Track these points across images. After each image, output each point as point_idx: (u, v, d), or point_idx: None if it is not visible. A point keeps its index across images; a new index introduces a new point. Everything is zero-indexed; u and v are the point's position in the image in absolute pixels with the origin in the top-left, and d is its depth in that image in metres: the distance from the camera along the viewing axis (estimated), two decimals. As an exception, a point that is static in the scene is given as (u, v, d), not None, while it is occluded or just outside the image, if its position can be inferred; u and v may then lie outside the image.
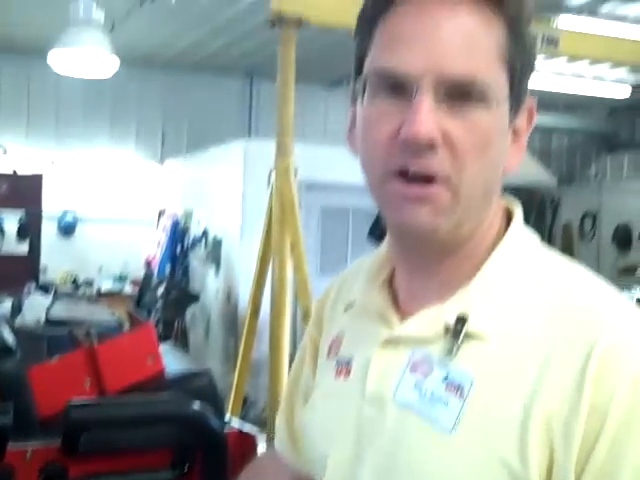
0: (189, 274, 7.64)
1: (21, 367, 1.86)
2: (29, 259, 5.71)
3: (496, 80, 0.81)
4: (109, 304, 5.02)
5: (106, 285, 8.23)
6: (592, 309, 0.81)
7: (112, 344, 2.07)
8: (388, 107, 0.81)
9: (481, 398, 0.80)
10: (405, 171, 0.81)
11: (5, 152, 6.92)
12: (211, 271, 7.26)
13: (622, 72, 7.96)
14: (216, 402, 2.05)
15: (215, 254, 7.08)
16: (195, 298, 7.22)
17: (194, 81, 8.65)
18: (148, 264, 7.75)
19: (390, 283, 0.95)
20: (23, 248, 6.09)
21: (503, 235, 0.89)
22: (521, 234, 0.90)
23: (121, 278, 8.39)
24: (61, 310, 3.62)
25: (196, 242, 7.44)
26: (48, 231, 8.02)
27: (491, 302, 0.84)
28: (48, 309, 3.55)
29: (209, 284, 7.33)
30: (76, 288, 8.03)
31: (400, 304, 0.92)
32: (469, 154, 0.80)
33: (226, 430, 1.95)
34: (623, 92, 8.72)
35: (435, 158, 0.80)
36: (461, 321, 0.83)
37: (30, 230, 6.35)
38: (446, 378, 0.83)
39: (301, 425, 1.04)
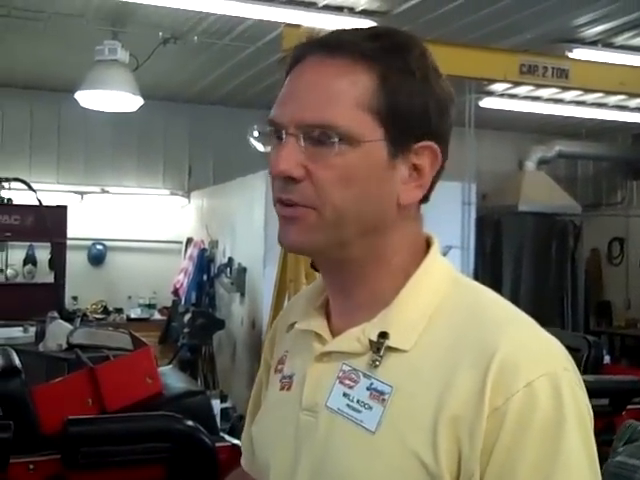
0: (215, 301, 7.83)
1: (24, 387, 2.02)
2: (54, 288, 5.93)
3: (353, 124, 0.94)
4: (138, 331, 5.19)
5: (135, 313, 8.46)
6: (493, 325, 0.94)
7: (112, 366, 2.23)
8: (272, 149, 1.00)
9: (400, 404, 0.93)
10: (281, 200, 0.99)
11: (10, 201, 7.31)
12: (236, 298, 7.42)
13: (644, 99, 7.99)
14: (209, 418, 2.19)
15: (240, 282, 7.24)
16: (221, 324, 7.38)
17: (219, 115, 8.84)
18: (175, 292, 7.95)
19: (326, 306, 1.09)
20: (51, 278, 6.34)
21: (420, 262, 1.03)
22: (437, 263, 1.04)
23: (150, 306, 8.60)
24: (81, 336, 3.78)
25: (221, 270, 7.62)
26: (78, 261, 8.28)
27: (409, 321, 0.98)
28: (69, 335, 3.72)
29: (234, 311, 7.49)
30: (106, 316, 8.27)
31: (332, 322, 1.06)
32: (328, 186, 0.95)
33: (218, 444, 2.08)
34: (646, 118, 8.73)
35: (297, 190, 0.96)
36: (383, 337, 0.97)
37: (55, 260, 6.59)
38: (370, 387, 0.96)
39: (253, 438, 1.16)
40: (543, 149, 9.23)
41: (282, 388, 1.08)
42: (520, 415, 0.87)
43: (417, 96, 0.98)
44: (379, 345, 0.96)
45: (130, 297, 8.61)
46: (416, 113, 0.98)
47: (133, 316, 8.38)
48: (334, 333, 1.04)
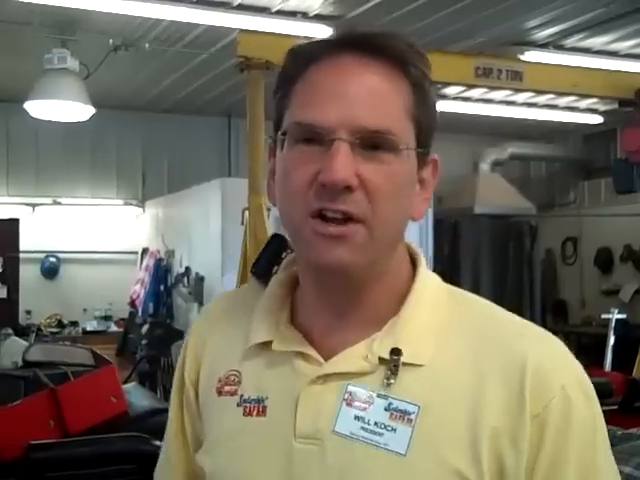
0: (173, 311, 7.72)
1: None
2: (8, 303, 5.79)
3: (405, 133, 0.91)
4: (94, 344, 5.07)
5: (91, 325, 8.30)
6: (513, 336, 0.94)
7: (74, 386, 2.15)
8: (306, 154, 0.90)
9: (430, 422, 0.89)
10: (323, 213, 0.89)
11: None
12: (194, 308, 7.33)
13: (594, 100, 8.10)
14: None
15: (197, 291, 7.16)
16: (179, 335, 7.28)
17: (172, 122, 8.74)
18: (132, 303, 7.83)
19: (292, 320, 0.99)
20: (4, 292, 6.19)
21: (411, 274, 0.98)
22: (429, 274, 1.00)
23: (106, 318, 8.45)
24: (38, 353, 3.67)
25: (179, 280, 7.53)
26: (31, 274, 8.11)
27: (418, 335, 0.93)
28: (24, 352, 3.61)
29: (193, 321, 7.36)
30: (61, 329, 8.10)
31: (314, 340, 0.96)
32: (383, 197, 0.89)
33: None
34: (596, 119, 8.87)
35: (351, 200, 0.88)
36: (395, 353, 0.91)
37: (8, 274, 6.44)
38: (389, 407, 0.90)
39: (205, 469, 1.01)
40: (497, 151, 9.31)
41: (247, 413, 0.96)
42: (560, 419, 0.88)
43: (434, 105, 0.97)
44: (395, 362, 0.91)
45: (85, 310, 8.45)
46: (434, 123, 0.96)
47: (89, 329, 8.22)
48: (321, 351, 0.95)
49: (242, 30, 4.80)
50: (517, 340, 0.92)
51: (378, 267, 0.94)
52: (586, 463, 0.89)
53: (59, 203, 8.57)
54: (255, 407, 0.96)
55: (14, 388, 3.17)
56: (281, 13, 5.69)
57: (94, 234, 8.67)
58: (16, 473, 1.84)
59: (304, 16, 5.78)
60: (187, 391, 1.07)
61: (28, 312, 7.99)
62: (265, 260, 1.09)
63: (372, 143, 0.89)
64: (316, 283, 0.97)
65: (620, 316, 6.06)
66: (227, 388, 1.00)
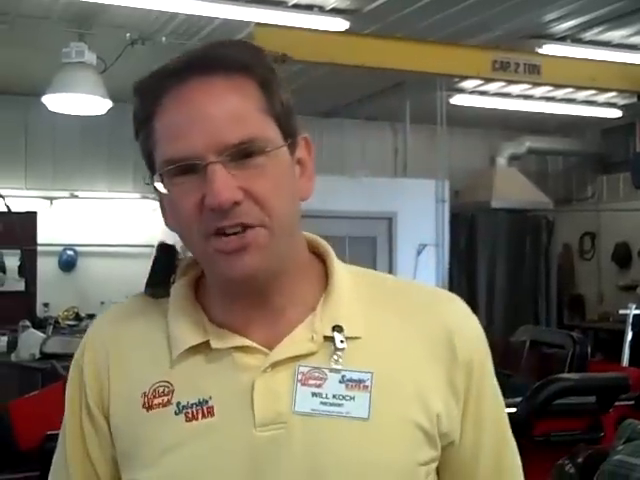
0: (189, 305, 7.74)
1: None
2: (26, 296, 5.83)
3: (266, 132, 0.95)
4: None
5: (108, 318, 8.32)
6: (429, 299, 1.07)
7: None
8: (187, 185, 0.93)
9: (383, 385, 0.97)
10: (221, 231, 0.92)
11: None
12: (210, 301, 7.35)
13: (612, 93, 8.05)
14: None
15: (213, 285, 7.16)
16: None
17: (188, 116, 8.76)
18: (148, 296, 7.85)
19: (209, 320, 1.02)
20: (22, 285, 6.23)
21: (308, 253, 1.05)
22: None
23: (123, 311, 8.49)
24: (55, 345, 3.70)
25: (195, 273, 7.54)
26: (49, 267, 8.17)
27: (350, 310, 1.01)
28: (42, 344, 3.64)
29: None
30: (79, 322, 8.15)
31: (241, 334, 0.99)
32: (270, 198, 0.94)
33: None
34: (615, 113, 8.81)
35: (243, 212, 0.92)
36: (337, 330, 0.99)
37: (26, 267, 6.47)
38: (343, 379, 0.97)
39: None
40: (514, 145, 9.27)
41: (191, 418, 0.96)
42: (479, 362, 1.03)
43: (285, 92, 1.00)
44: (341, 338, 0.98)
45: (103, 302, 8.47)
46: (290, 108, 1.00)
47: (106, 321, 8.26)
48: (256, 342, 0.98)
49: (258, 23, 4.80)
50: (435, 305, 1.05)
51: (285, 258, 0.99)
52: (493, 385, 1.06)
53: (76, 196, 8.61)
54: (199, 410, 0.97)
55: (32, 379, 3.20)
56: (297, 7, 5.69)
57: (111, 227, 8.70)
58: (33, 463, 1.86)
59: (320, 10, 5.78)
60: (92, 411, 1.03)
61: (46, 305, 8.05)
62: (159, 270, 1.10)
63: (242, 154, 0.92)
64: (228, 290, 1.01)
65: (638, 312, 6.03)
66: (157, 400, 0.99)
